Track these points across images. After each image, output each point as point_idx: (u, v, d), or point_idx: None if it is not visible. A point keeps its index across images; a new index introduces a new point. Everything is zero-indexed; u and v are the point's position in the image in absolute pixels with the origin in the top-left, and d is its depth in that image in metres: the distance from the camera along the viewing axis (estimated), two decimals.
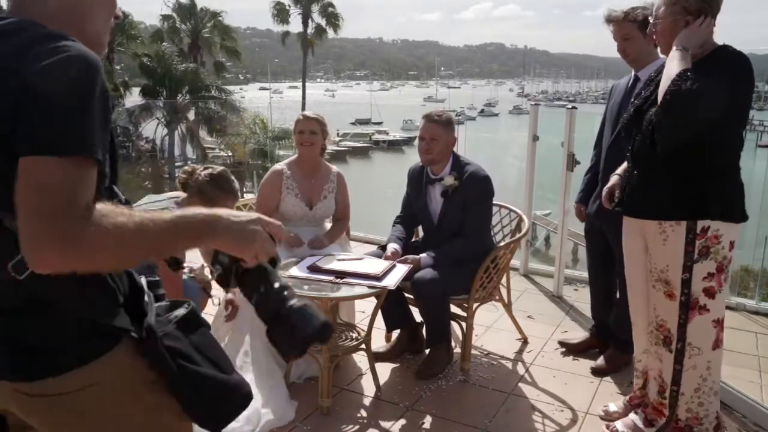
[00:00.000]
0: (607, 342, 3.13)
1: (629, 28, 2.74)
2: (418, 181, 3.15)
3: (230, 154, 20.99)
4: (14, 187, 0.90)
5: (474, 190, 2.98)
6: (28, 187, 0.90)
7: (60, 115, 0.92)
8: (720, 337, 2.20)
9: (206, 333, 1.22)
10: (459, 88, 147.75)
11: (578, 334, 3.45)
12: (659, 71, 2.19)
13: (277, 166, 3.22)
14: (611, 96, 3.05)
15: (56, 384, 1.04)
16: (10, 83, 0.93)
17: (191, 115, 22.30)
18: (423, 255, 2.95)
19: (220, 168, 2.55)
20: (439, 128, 2.99)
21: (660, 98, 2.02)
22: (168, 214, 1.02)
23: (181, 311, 1.19)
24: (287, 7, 35.80)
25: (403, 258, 2.95)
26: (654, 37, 2.20)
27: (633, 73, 2.88)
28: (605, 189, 2.42)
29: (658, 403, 2.34)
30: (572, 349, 3.26)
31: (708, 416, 2.25)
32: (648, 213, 2.22)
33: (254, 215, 1.13)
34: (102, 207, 0.94)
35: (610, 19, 2.81)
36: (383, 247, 3.13)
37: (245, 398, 1.21)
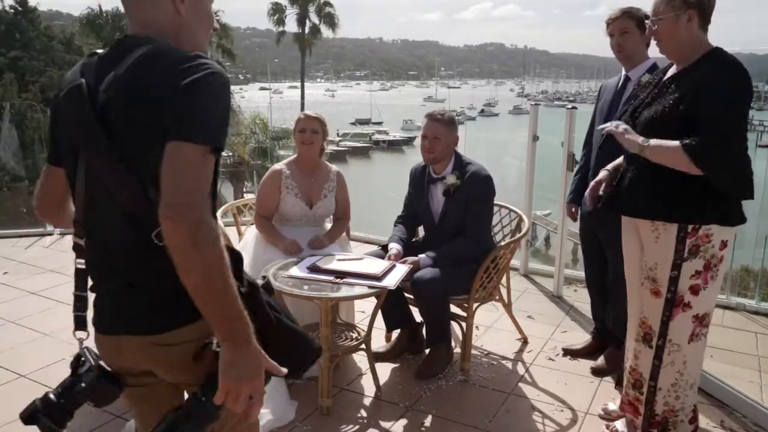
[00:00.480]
0: (608, 342, 3.12)
1: (628, 23, 2.76)
2: (420, 180, 3.16)
3: (230, 153, 20.96)
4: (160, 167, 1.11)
5: (475, 190, 2.98)
6: (169, 165, 1.11)
7: (204, 114, 1.15)
8: (697, 331, 2.20)
9: (278, 299, 1.42)
10: (459, 88, 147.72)
11: (579, 336, 3.46)
12: (653, 72, 2.22)
13: (276, 166, 3.22)
14: (600, 96, 3.07)
15: (179, 334, 1.27)
16: (169, 90, 1.14)
17: None
18: (422, 255, 2.95)
19: None
20: (442, 127, 3.00)
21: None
22: (238, 299, 1.15)
23: (259, 281, 1.38)
24: (284, 7, 35.80)
25: (402, 259, 2.95)
26: (653, 36, 2.19)
27: (623, 72, 2.90)
28: (591, 183, 2.41)
29: (634, 398, 2.36)
30: (577, 354, 3.23)
31: (684, 409, 2.27)
32: (641, 212, 2.23)
33: (263, 365, 1.20)
34: (221, 226, 1.17)
35: (610, 19, 2.84)
36: (384, 248, 3.13)
37: (318, 351, 1.43)
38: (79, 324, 1.41)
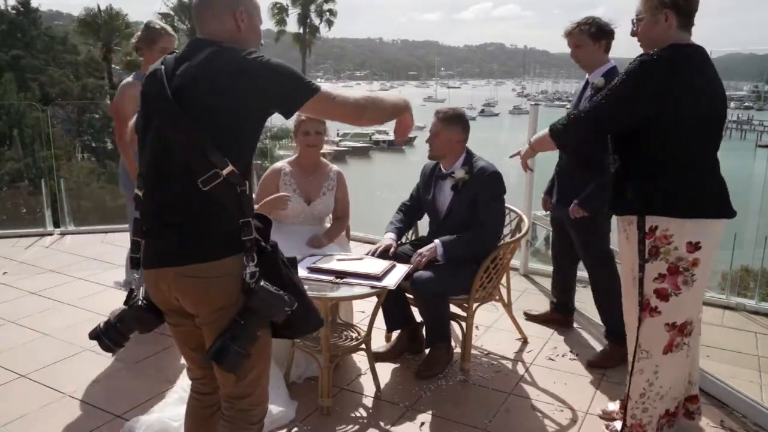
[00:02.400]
0: (567, 318, 3.58)
1: (580, 37, 3.04)
2: (430, 176, 3.18)
3: None
4: (236, 132, 1.60)
5: (485, 186, 2.98)
6: (327, 108, 1.71)
7: (299, 78, 1.65)
8: (677, 341, 2.15)
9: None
10: (459, 88, 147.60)
11: (579, 336, 3.46)
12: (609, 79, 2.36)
13: (277, 164, 3.21)
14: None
15: (208, 268, 1.58)
16: (250, 81, 1.57)
17: None
18: (437, 241, 2.95)
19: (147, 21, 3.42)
20: (439, 124, 3.03)
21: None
22: (393, 97, 1.91)
23: (288, 256, 1.75)
24: (286, 7, 35.78)
25: (419, 253, 2.93)
26: (636, 37, 2.20)
27: (586, 76, 3.14)
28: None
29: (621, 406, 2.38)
30: (534, 320, 3.62)
31: (651, 423, 2.22)
32: (610, 207, 2.28)
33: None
34: (364, 95, 1.76)
35: (566, 33, 3.12)
36: (386, 250, 3.10)
37: (321, 322, 1.77)
38: (133, 264, 1.72)
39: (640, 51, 2.16)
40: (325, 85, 1.73)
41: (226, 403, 1.75)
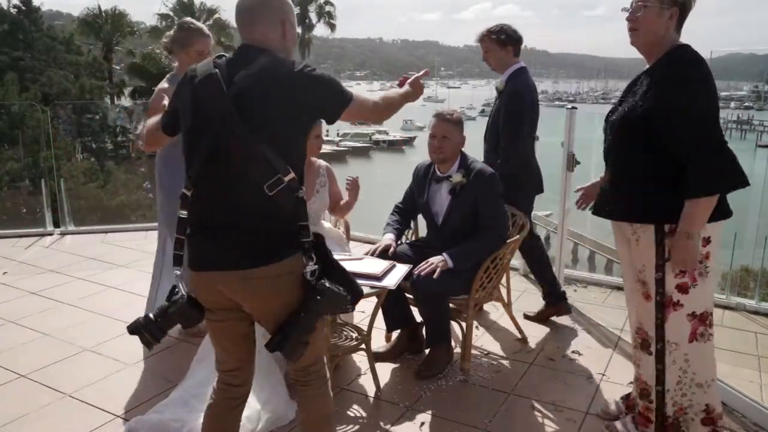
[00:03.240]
0: (562, 306, 3.64)
1: (488, 44, 3.33)
2: (424, 178, 3.16)
3: None
4: (291, 139, 1.72)
5: (484, 187, 2.98)
6: (357, 113, 1.84)
7: (339, 87, 1.79)
8: (700, 330, 2.18)
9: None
10: (459, 88, 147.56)
11: (579, 335, 3.47)
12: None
13: None
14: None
15: (274, 269, 1.68)
16: (304, 92, 1.69)
17: None
18: (445, 256, 2.87)
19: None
20: (451, 127, 3.00)
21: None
22: (393, 91, 2.05)
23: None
24: None
25: (428, 261, 2.87)
26: (632, 24, 2.12)
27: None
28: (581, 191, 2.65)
29: (644, 407, 2.33)
30: (533, 319, 3.62)
31: (692, 406, 2.24)
32: (615, 214, 2.26)
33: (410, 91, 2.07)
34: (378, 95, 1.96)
35: (477, 39, 3.38)
36: (385, 250, 3.10)
37: (361, 293, 1.87)
38: (177, 261, 1.76)
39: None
40: (352, 90, 1.83)
41: (299, 373, 1.88)
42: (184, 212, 1.74)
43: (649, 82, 2.11)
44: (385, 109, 1.94)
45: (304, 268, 1.70)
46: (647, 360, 2.27)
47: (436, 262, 2.85)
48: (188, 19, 3.40)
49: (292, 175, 1.65)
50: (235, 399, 1.94)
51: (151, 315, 1.74)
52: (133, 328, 1.73)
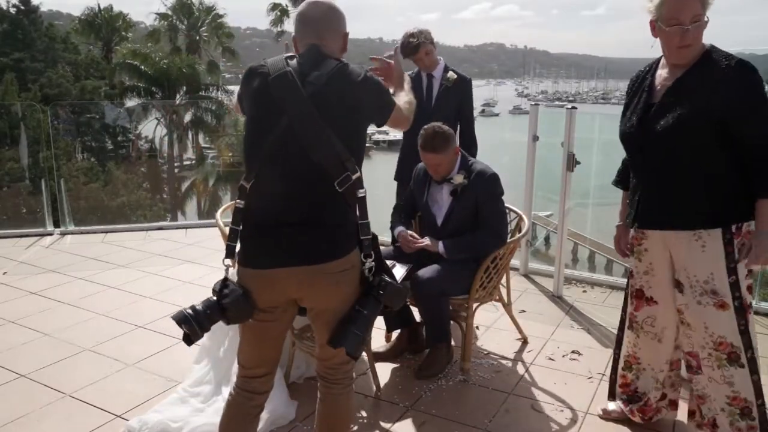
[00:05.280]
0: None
1: (428, 47, 3.58)
2: (424, 180, 3.15)
3: (231, 154, 20.96)
4: (357, 142, 1.79)
5: (484, 188, 2.97)
6: (396, 119, 1.91)
7: (389, 93, 1.92)
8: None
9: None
10: None
11: (579, 335, 3.47)
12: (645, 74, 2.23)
13: None
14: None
15: (340, 264, 1.73)
16: (368, 95, 1.81)
17: (188, 116, 22.14)
18: (439, 243, 2.95)
19: None
20: (440, 155, 2.92)
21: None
22: (403, 99, 2.02)
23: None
24: (286, 8, 35.73)
25: (421, 240, 2.99)
26: (686, 42, 2.01)
27: (425, 73, 3.67)
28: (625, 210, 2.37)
29: (747, 427, 2.13)
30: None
31: None
32: (679, 223, 2.09)
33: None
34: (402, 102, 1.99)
35: (417, 46, 3.55)
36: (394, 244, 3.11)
37: (409, 290, 2.00)
38: (229, 253, 1.79)
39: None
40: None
41: (330, 370, 1.89)
42: (242, 202, 1.75)
43: (704, 83, 2.00)
44: (411, 115, 1.99)
45: (363, 265, 1.76)
46: (741, 374, 2.09)
47: (430, 245, 2.96)
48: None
49: (358, 173, 1.72)
50: (257, 407, 1.92)
51: (199, 306, 1.72)
52: (181, 318, 1.70)
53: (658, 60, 2.21)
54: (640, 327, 2.37)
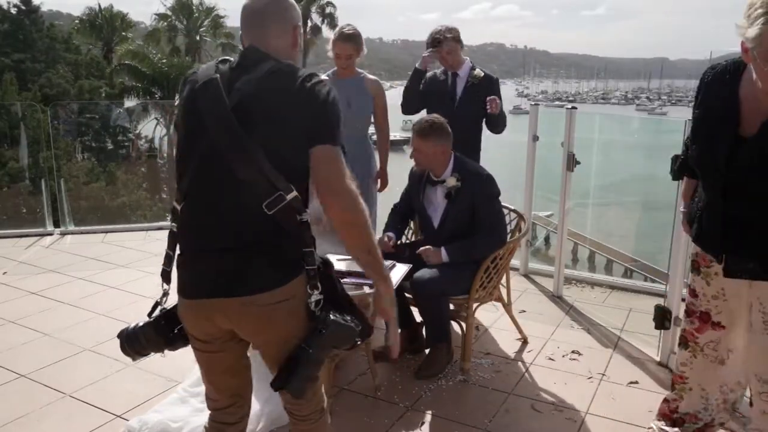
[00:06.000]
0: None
1: (454, 45, 3.57)
2: (419, 182, 3.15)
3: None
4: (290, 158, 1.50)
5: (480, 189, 2.98)
6: (329, 164, 1.51)
7: (338, 124, 1.56)
8: None
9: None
10: None
11: (579, 336, 3.47)
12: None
13: None
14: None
15: (272, 295, 1.51)
16: (306, 100, 1.51)
17: None
18: (442, 250, 2.96)
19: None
20: (419, 140, 2.97)
21: None
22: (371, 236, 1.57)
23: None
24: None
25: (425, 248, 2.97)
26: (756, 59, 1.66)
27: (450, 72, 3.65)
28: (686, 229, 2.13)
29: None
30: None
31: None
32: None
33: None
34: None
35: (440, 42, 3.56)
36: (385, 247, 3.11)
37: (371, 329, 1.68)
38: (164, 278, 1.67)
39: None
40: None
41: (293, 406, 1.73)
42: (175, 225, 1.62)
43: None
44: (353, 205, 1.51)
45: (308, 297, 1.56)
46: None
47: (432, 256, 2.93)
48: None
49: (294, 194, 1.48)
50: None
51: (138, 326, 1.64)
52: (121, 336, 1.65)
53: (743, 65, 1.81)
54: (700, 349, 2.12)
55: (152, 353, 1.70)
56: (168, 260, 1.64)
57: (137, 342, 1.64)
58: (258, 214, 1.47)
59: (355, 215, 1.50)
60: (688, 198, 2.18)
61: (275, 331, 1.57)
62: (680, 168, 2.19)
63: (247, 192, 1.48)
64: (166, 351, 1.70)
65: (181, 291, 1.61)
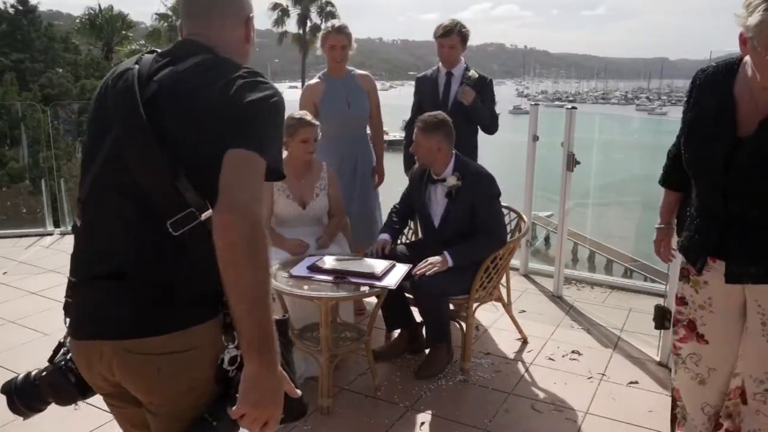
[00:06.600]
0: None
1: (454, 41, 3.52)
2: (419, 181, 3.15)
3: None
4: (207, 167, 1.14)
5: (480, 189, 2.98)
6: (237, 170, 1.13)
7: (271, 133, 1.20)
8: None
9: (290, 345, 1.31)
10: None
11: (579, 336, 3.47)
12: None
13: None
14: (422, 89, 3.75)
15: (165, 342, 1.17)
16: (234, 99, 1.18)
17: None
18: (445, 254, 2.89)
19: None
20: (420, 134, 2.98)
21: None
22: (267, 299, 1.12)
23: (278, 316, 1.30)
24: (287, 8, 35.78)
25: (428, 263, 2.87)
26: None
27: (445, 70, 3.61)
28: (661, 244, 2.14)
29: None
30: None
31: None
32: None
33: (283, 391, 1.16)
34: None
35: (448, 31, 3.51)
36: (382, 248, 3.11)
37: (305, 409, 1.29)
38: (67, 310, 1.35)
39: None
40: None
41: None
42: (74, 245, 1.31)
43: None
44: (249, 236, 1.09)
45: (220, 351, 1.19)
46: None
47: (436, 262, 2.86)
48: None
49: (211, 212, 1.14)
50: None
51: (31, 375, 1.34)
52: (5, 389, 1.34)
53: (736, 65, 1.79)
54: (682, 362, 2.09)
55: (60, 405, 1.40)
56: (70, 288, 1.31)
57: (34, 396, 1.34)
58: (160, 234, 1.15)
59: (251, 247, 1.08)
60: (670, 215, 2.14)
61: (167, 390, 1.21)
62: (666, 177, 2.15)
63: (149, 205, 1.17)
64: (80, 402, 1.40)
65: (69, 328, 1.31)
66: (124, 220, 1.21)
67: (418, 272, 2.84)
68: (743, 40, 1.67)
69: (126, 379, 1.23)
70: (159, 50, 1.33)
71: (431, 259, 2.88)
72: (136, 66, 1.27)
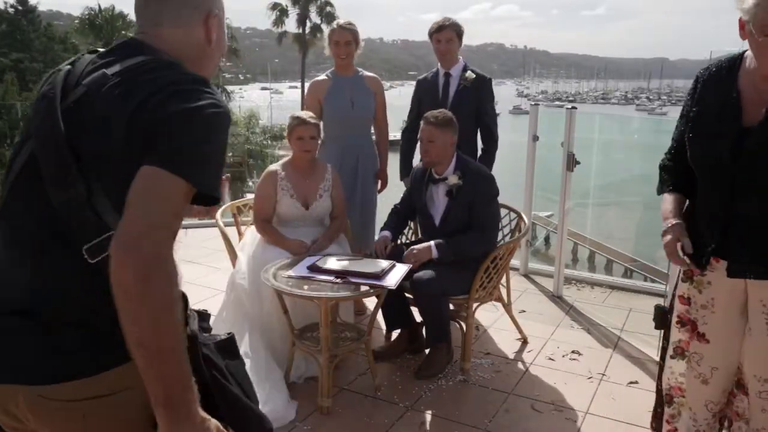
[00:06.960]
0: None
1: (450, 35, 3.50)
2: (420, 181, 3.15)
3: (230, 154, 20.99)
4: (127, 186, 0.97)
5: (480, 189, 2.98)
6: (142, 191, 0.97)
7: (199, 150, 1.03)
8: None
9: (241, 364, 1.23)
10: None
11: (579, 336, 3.47)
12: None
13: (272, 167, 3.21)
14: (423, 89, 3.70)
15: (87, 385, 1.02)
16: (164, 109, 1.01)
17: None
18: (430, 243, 2.93)
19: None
20: (436, 130, 2.97)
21: None
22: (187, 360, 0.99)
23: (222, 335, 1.22)
24: (286, 8, 35.79)
25: (412, 249, 2.94)
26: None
27: (444, 71, 3.58)
28: (677, 244, 2.01)
29: None
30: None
31: None
32: None
33: None
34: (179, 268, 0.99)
35: (442, 27, 3.50)
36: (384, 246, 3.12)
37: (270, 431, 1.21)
38: None
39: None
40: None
41: None
42: None
43: None
44: (144, 278, 0.92)
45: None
46: None
47: (418, 248, 2.91)
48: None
49: None
50: None
51: None
52: None
53: (738, 60, 1.81)
54: (688, 360, 2.09)
55: None
56: None
57: None
58: (74, 260, 1.01)
59: (147, 288, 0.92)
60: (678, 211, 2.04)
61: None
62: (662, 187, 2.08)
63: (62, 227, 1.03)
64: None
65: None
66: (37, 243, 1.06)
67: (407, 260, 2.88)
68: (741, 25, 1.69)
69: (42, 429, 1.07)
70: (101, 49, 1.18)
71: (416, 247, 2.93)
72: (68, 67, 1.13)
